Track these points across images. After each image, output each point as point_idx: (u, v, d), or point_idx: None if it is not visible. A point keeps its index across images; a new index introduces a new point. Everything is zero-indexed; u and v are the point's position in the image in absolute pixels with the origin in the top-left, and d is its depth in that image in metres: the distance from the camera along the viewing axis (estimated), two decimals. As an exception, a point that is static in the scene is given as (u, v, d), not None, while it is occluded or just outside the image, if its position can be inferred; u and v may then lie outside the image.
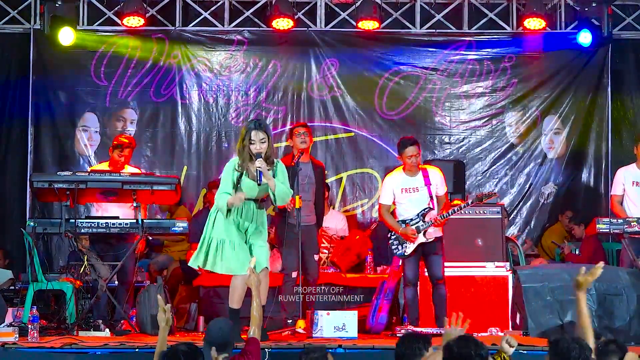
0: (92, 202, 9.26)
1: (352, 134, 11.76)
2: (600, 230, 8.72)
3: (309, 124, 10.13)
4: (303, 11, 11.71)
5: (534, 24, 11.42)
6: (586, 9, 11.46)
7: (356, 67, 11.75)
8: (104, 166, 9.22)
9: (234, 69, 11.74)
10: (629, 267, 8.74)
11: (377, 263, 10.04)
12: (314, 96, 11.75)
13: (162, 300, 5.98)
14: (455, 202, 9.09)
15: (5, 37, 11.61)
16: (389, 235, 8.78)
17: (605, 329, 7.91)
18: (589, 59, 11.77)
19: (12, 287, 9.83)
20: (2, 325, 7.89)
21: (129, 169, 9.00)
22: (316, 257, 8.99)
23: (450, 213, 8.59)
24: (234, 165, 7.53)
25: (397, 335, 8.03)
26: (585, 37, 11.54)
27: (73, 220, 8.34)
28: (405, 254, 8.65)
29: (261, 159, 7.40)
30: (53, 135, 11.55)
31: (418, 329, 8.25)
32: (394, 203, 8.77)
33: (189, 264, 7.90)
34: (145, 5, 11.45)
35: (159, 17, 11.65)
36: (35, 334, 7.50)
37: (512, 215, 11.65)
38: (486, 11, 11.79)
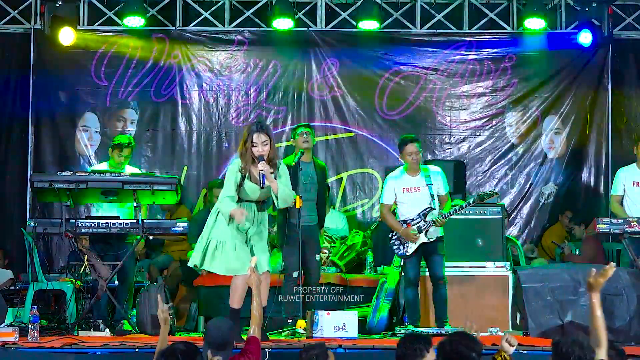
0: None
1: (352, 134, 11.76)
2: (601, 230, 8.71)
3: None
4: (303, 11, 11.71)
5: (534, 24, 11.42)
6: (586, 9, 11.47)
7: (356, 67, 11.75)
8: (104, 166, 9.22)
9: (235, 69, 11.74)
10: (630, 267, 8.74)
11: (377, 263, 10.04)
12: (314, 96, 11.75)
13: (161, 302, 5.98)
14: (456, 201, 9.09)
15: (5, 37, 11.61)
16: (390, 235, 8.78)
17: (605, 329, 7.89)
18: (589, 59, 11.78)
19: (12, 287, 9.84)
20: (2, 325, 7.89)
21: (129, 169, 9.00)
22: (317, 257, 8.99)
23: (451, 212, 8.59)
24: (237, 167, 7.51)
25: (397, 335, 8.04)
26: (585, 37, 11.55)
27: (73, 220, 8.34)
28: (407, 253, 8.65)
29: (264, 161, 7.38)
30: (53, 135, 11.56)
31: (418, 329, 8.25)
32: (395, 203, 8.77)
33: (188, 264, 7.90)
34: (145, 5, 11.45)
35: (159, 17, 11.65)
36: (35, 334, 7.49)
37: (512, 215, 11.65)
38: (486, 11, 11.79)
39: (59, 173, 8.63)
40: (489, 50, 11.81)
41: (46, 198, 8.92)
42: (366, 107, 11.76)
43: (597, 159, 11.82)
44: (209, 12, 11.69)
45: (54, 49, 11.37)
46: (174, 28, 11.66)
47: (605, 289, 8.02)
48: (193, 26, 11.71)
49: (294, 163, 8.77)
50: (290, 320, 8.56)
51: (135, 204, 8.45)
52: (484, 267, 9.21)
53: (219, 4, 11.72)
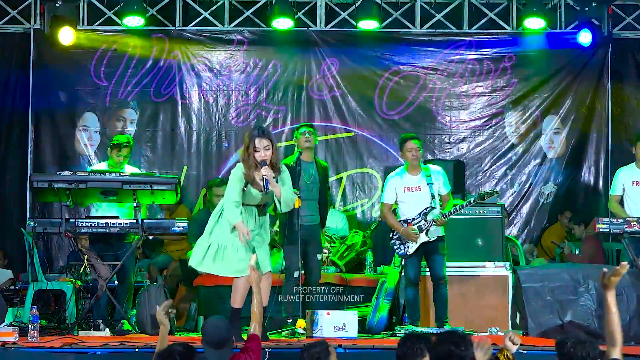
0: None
1: (352, 133, 11.77)
2: (600, 230, 8.72)
3: (309, 124, 10.13)
4: (303, 11, 11.71)
5: (534, 23, 11.43)
6: (586, 9, 11.45)
7: (356, 67, 11.76)
8: (104, 166, 9.21)
9: (234, 68, 11.74)
10: (629, 267, 8.73)
11: (377, 263, 10.03)
12: (314, 96, 11.75)
13: (161, 311, 5.98)
14: (456, 201, 9.08)
15: (5, 37, 11.61)
16: (390, 235, 8.78)
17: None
18: (589, 58, 11.78)
19: (12, 287, 9.84)
20: (2, 325, 7.89)
21: (128, 169, 8.99)
22: (319, 257, 8.99)
23: (451, 211, 8.58)
24: (241, 172, 7.50)
25: (397, 335, 8.04)
26: (585, 37, 11.55)
27: (73, 220, 8.34)
28: (408, 253, 8.64)
29: (267, 166, 7.38)
30: (53, 135, 11.56)
31: (418, 329, 8.25)
32: (395, 202, 8.77)
33: (188, 263, 7.91)
34: (145, 5, 11.45)
35: (159, 16, 11.65)
36: (35, 334, 7.49)
37: (512, 216, 11.65)
38: (486, 11, 11.79)
39: (58, 173, 8.63)
40: (488, 50, 11.81)
41: (46, 198, 8.91)
42: (366, 107, 11.76)
43: (597, 158, 11.83)
44: (208, 11, 11.69)
45: (54, 48, 11.36)
46: (173, 28, 11.66)
47: (605, 289, 8.11)
48: (193, 26, 11.71)
49: (292, 163, 8.78)
50: (290, 320, 8.56)
51: (134, 204, 8.45)
52: (484, 266, 9.20)
53: (219, 3, 11.72)
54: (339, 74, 11.72)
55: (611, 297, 5.13)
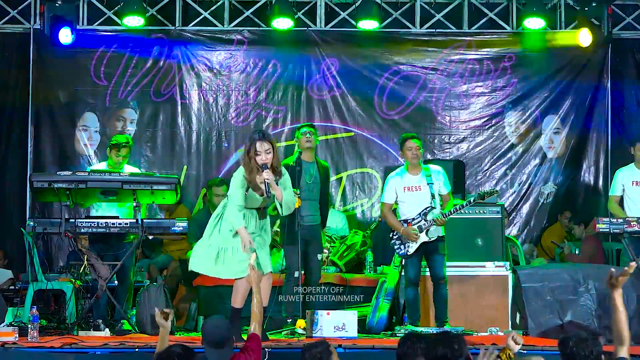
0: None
1: (352, 133, 11.76)
2: (600, 230, 8.72)
3: (308, 123, 10.13)
4: (303, 11, 11.71)
5: (534, 23, 11.43)
6: (586, 9, 11.45)
7: (356, 67, 11.76)
8: (103, 166, 9.21)
9: (234, 68, 11.74)
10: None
11: (377, 263, 10.03)
12: (314, 96, 11.75)
13: (159, 315, 5.98)
14: (456, 201, 9.08)
15: (5, 37, 11.61)
16: (390, 235, 8.78)
17: (605, 328, 7.90)
18: (588, 58, 11.78)
19: (12, 287, 9.84)
20: (2, 325, 7.89)
21: (128, 169, 8.99)
22: (319, 257, 9.00)
23: (451, 211, 8.58)
24: (242, 176, 7.49)
25: (397, 335, 8.04)
26: (585, 37, 11.54)
27: (73, 220, 8.34)
28: (408, 253, 8.64)
29: (268, 170, 7.38)
30: (53, 135, 11.56)
31: (418, 329, 8.25)
32: (396, 202, 8.77)
33: (189, 268, 7.92)
34: (145, 5, 11.45)
35: (158, 16, 11.65)
36: (35, 334, 7.49)
37: (512, 216, 11.65)
38: (486, 11, 11.79)
39: (58, 173, 8.62)
40: (488, 50, 11.80)
41: (46, 198, 8.91)
42: (366, 107, 11.76)
43: (597, 158, 11.82)
44: (208, 11, 11.69)
45: (54, 48, 11.36)
46: (173, 28, 11.66)
47: (605, 289, 8.10)
48: (192, 26, 11.71)
49: (293, 163, 8.78)
50: (290, 320, 8.56)
51: (134, 204, 8.45)
52: (484, 266, 9.20)
53: (219, 3, 11.72)
54: (339, 74, 11.72)
55: (618, 297, 5.14)
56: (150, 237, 10.17)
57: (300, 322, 8.29)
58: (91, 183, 8.33)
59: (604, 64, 11.80)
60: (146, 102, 11.65)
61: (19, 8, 11.48)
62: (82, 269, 8.35)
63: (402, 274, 8.92)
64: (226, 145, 11.66)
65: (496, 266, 9.18)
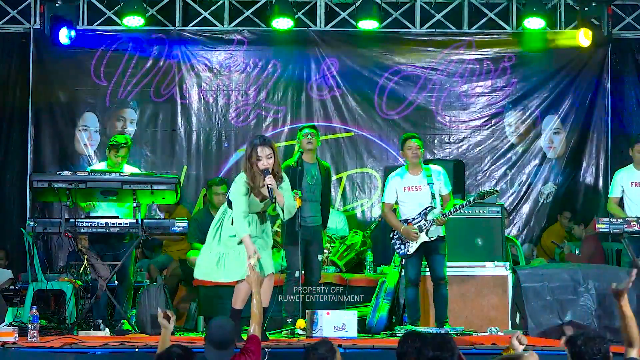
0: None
1: (352, 133, 11.77)
2: (600, 230, 8.72)
3: (308, 124, 10.12)
4: (303, 11, 11.71)
5: (534, 23, 11.43)
6: (586, 9, 11.45)
7: (356, 67, 11.76)
8: (103, 166, 9.21)
9: (234, 68, 11.74)
10: (629, 266, 8.74)
11: (377, 263, 10.03)
12: (314, 96, 11.75)
13: (162, 315, 5.98)
14: (456, 201, 9.08)
15: (5, 37, 11.61)
16: (391, 235, 8.78)
17: (605, 328, 7.91)
18: (588, 58, 11.78)
19: (12, 287, 9.84)
20: (2, 325, 7.89)
21: (128, 169, 8.99)
22: (320, 257, 8.99)
23: (451, 211, 8.58)
24: (244, 184, 7.48)
25: (397, 335, 8.03)
26: (585, 37, 11.54)
27: (73, 220, 8.34)
28: (408, 253, 8.64)
29: (270, 175, 7.38)
30: (53, 135, 11.56)
31: (418, 329, 8.25)
32: (396, 202, 8.77)
33: (194, 275, 7.94)
34: (145, 5, 11.46)
35: (158, 16, 11.65)
36: (35, 334, 7.49)
37: (512, 216, 11.65)
38: (486, 11, 11.79)
39: (58, 173, 8.64)
40: (488, 50, 11.81)
41: (46, 198, 8.91)
42: (366, 107, 11.76)
43: (597, 158, 11.83)
44: (208, 11, 11.69)
45: (54, 48, 11.37)
46: (173, 28, 11.66)
47: (604, 289, 8.11)
48: (192, 26, 11.71)
49: (293, 163, 8.78)
50: (290, 320, 8.56)
51: (134, 204, 8.44)
52: (484, 266, 9.19)
53: (219, 3, 11.72)
54: (339, 74, 11.73)
55: (624, 301, 5.15)
56: (151, 238, 10.17)
57: (300, 322, 8.28)
58: (91, 183, 8.34)
59: (603, 64, 11.81)
60: (146, 102, 11.66)
61: (19, 8, 11.48)
62: (82, 269, 8.36)
63: (402, 274, 8.92)
64: (226, 145, 11.66)
65: (496, 266, 9.18)
